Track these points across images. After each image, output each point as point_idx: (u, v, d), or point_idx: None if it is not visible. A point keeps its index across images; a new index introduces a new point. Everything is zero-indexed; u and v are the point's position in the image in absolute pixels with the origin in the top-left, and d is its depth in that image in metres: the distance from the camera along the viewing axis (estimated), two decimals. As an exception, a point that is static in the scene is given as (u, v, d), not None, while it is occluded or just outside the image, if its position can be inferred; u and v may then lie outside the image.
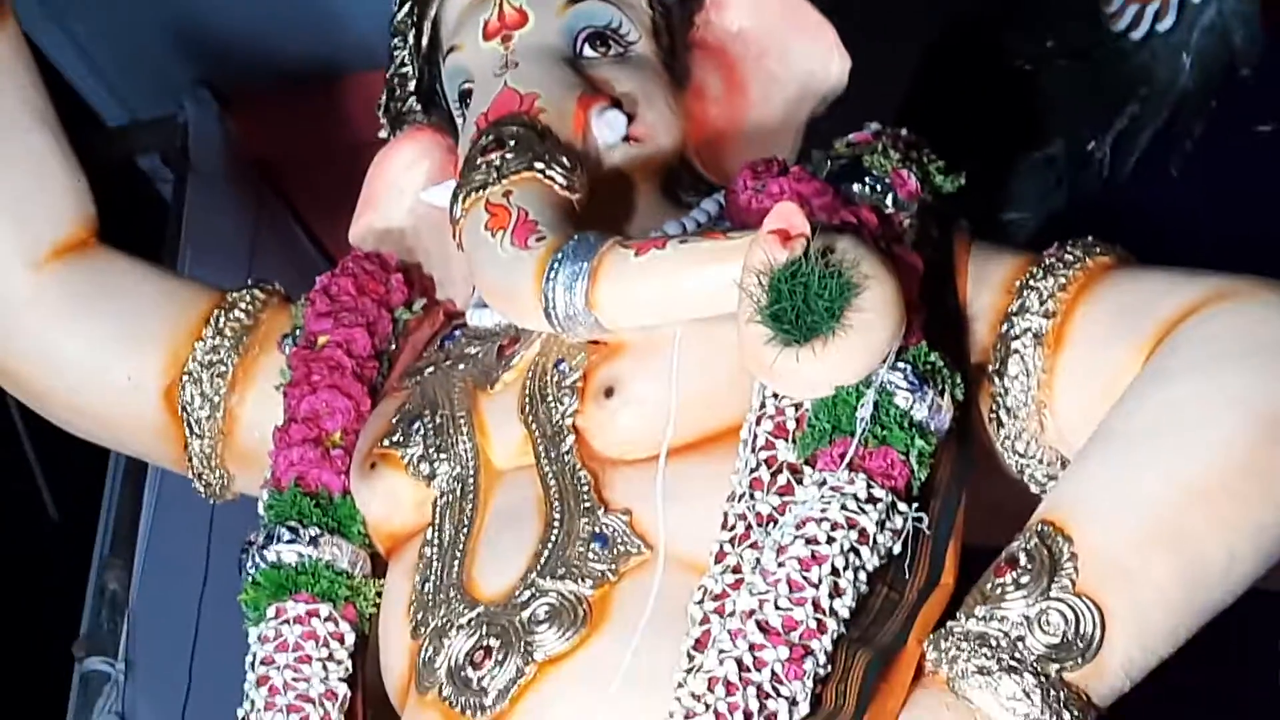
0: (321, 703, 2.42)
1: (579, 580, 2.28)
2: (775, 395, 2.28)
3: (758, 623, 2.13)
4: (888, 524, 2.19)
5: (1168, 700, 2.20)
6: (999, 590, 2.17)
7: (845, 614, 2.15)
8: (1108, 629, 2.14)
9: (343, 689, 2.45)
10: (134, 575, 4.03)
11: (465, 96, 2.63)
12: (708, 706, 2.09)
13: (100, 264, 2.81)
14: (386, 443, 2.49)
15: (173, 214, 4.64)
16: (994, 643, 2.13)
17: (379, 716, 2.47)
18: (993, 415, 2.39)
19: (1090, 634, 2.13)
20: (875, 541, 2.18)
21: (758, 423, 2.28)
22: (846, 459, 2.20)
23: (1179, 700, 2.23)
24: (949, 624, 2.18)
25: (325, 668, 2.45)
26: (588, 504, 2.34)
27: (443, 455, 2.45)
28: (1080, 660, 2.13)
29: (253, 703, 2.45)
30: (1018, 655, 2.12)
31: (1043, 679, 2.11)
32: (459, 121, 2.67)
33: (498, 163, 2.43)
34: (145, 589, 4.02)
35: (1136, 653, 2.16)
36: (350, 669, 2.47)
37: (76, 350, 2.76)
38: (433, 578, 2.39)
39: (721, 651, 2.12)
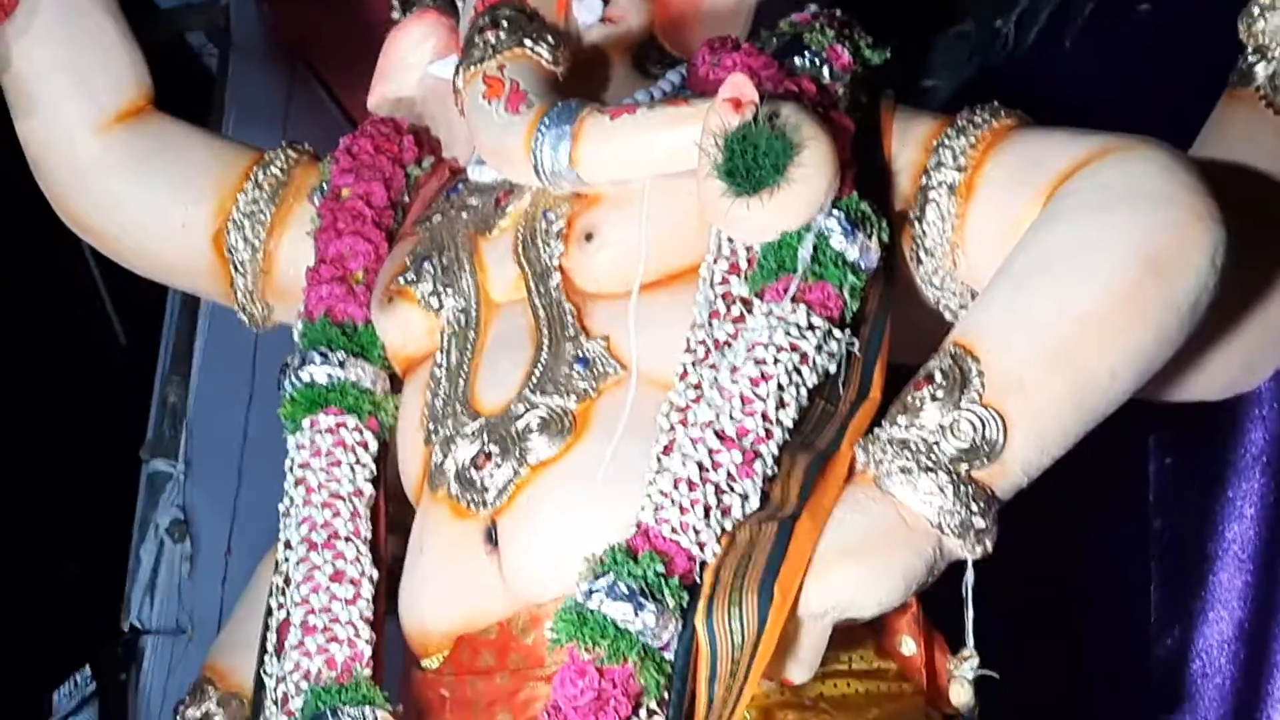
0: (350, 499, 2.43)
1: (565, 396, 2.29)
2: (729, 239, 2.28)
3: (715, 431, 2.13)
4: (824, 347, 2.19)
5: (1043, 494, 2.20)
6: (917, 402, 2.17)
7: (789, 423, 2.15)
8: (1009, 435, 2.14)
9: (368, 488, 2.45)
10: (191, 391, 4.04)
11: None
12: (673, 501, 2.10)
13: (156, 127, 2.80)
14: (401, 280, 2.49)
15: (217, 85, 4.61)
16: (914, 447, 2.14)
17: (399, 512, 2.48)
18: (913, 255, 2.38)
19: (994, 439, 2.14)
20: (814, 362, 2.18)
21: (715, 262, 2.28)
22: (790, 292, 2.20)
23: (1054, 492, 2.22)
24: (876, 431, 2.18)
25: (353, 470, 2.46)
26: (572, 332, 2.34)
27: (449, 290, 2.45)
28: (986, 461, 2.14)
29: (291, 499, 2.45)
30: (933, 457, 2.13)
31: (954, 477, 2.12)
32: (460, 5, 2.65)
33: (493, 41, 2.42)
34: (200, 402, 4.03)
35: (1033, 455, 2.16)
36: (374, 471, 2.47)
37: (137, 202, 2.76)
38: (441, 394, 2.40)
39: (685, 455, 2.13)
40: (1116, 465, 2.82)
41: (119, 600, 3.85)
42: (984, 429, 2.14)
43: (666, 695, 2.04)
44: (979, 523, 2.12)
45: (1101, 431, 2.22)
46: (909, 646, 2.23)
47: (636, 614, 2.04)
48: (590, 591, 2.07)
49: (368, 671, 2.31)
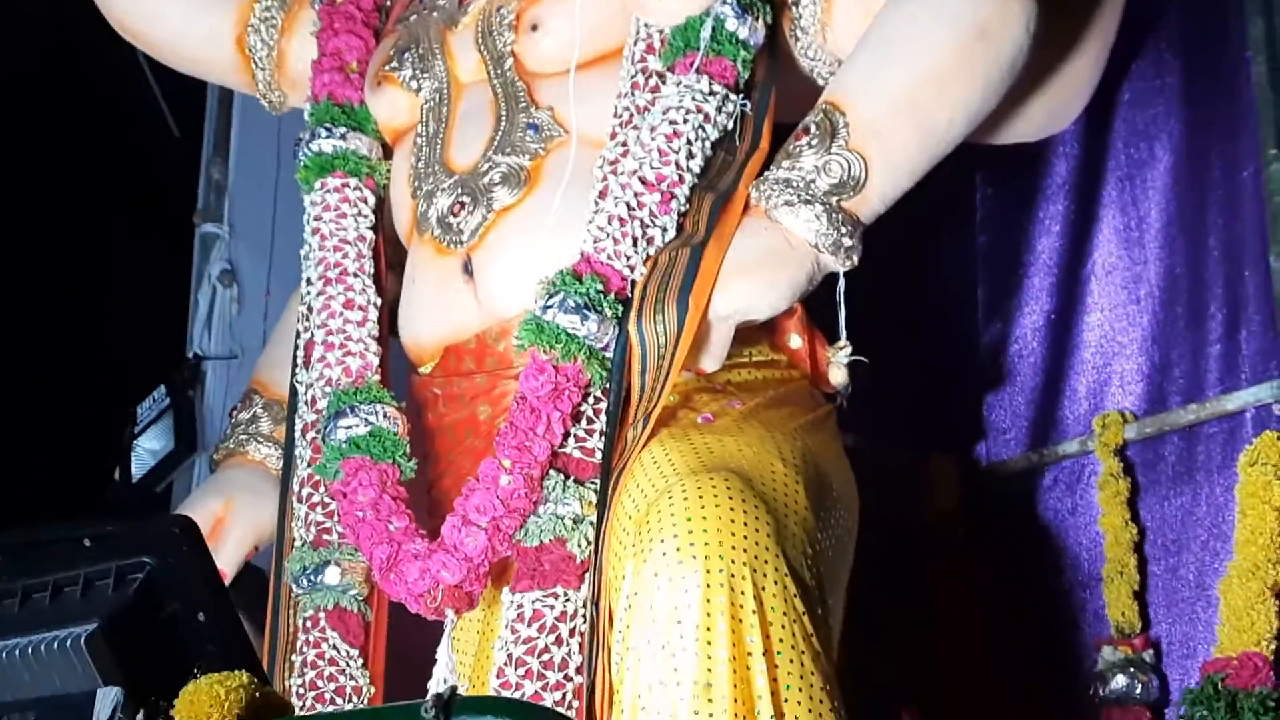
0: (355, 244, 2.37)
1: (520, 155, 2.22)
2: (646, 25, 2.20)
3: (639, 178, 2.08)
4: (723, 109, 2.13)
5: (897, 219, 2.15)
6: (797, 150, 2.11)
7: (697, 170, 2.10)
8: (869, 172, 2.09)
9: (370, 234, 2.39)
10: (230, 168, 3.93)
11: None
12: (608, 234, 2.05)
13: None
14: (387, 68, 2.40)
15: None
16: (795, 184, 2.08)
17: (395, 253, 2.41)
18: (792, 33, 2.29)
19: (858, 176, 2.08)
20: (715, 121, 2.12)
21: (635, 44, 2.21)
22: (695, 65, 2.13)
23: (905, 218, 2.18)
24: (765, 174, 2.13)
25: (356, 220, 2.39)
26: (524, 104, 2.26)
27: (425, 74, 2.36)
28: (852, 193, 2.09)
29: (309, 246, 2.39)
30: (811, 192, 2.08)
31: (828, 207, 2.07)
32: None
33: None
34: (239, 176, 3.92)
35: (888, 188, 2.12)
36: (374, 221, 2.41)
37: (173, 15, 2.63)
38: (423, 158, 2.32)
39: (616, 198, 2.08)
40: (951, 196, 2.78)
41: (184, 335, 3.79)
42: (850, 168, 2.08)
43: (608, 385, 2.02)
44: (848, 242, 2.08)
45: (940, 168, 2.17)
46: (796, 341, 2.19)
47: (582, 322, 2.01)
48: (546, 306, 2.03)
49: (376, 377, 2.26)
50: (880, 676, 2.48)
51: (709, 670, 1.71)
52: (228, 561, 2.51)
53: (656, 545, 1.78)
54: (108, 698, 1.21)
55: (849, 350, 2.12)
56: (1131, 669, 2.39)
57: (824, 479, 1.99)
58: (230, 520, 2.50)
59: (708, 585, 1.74)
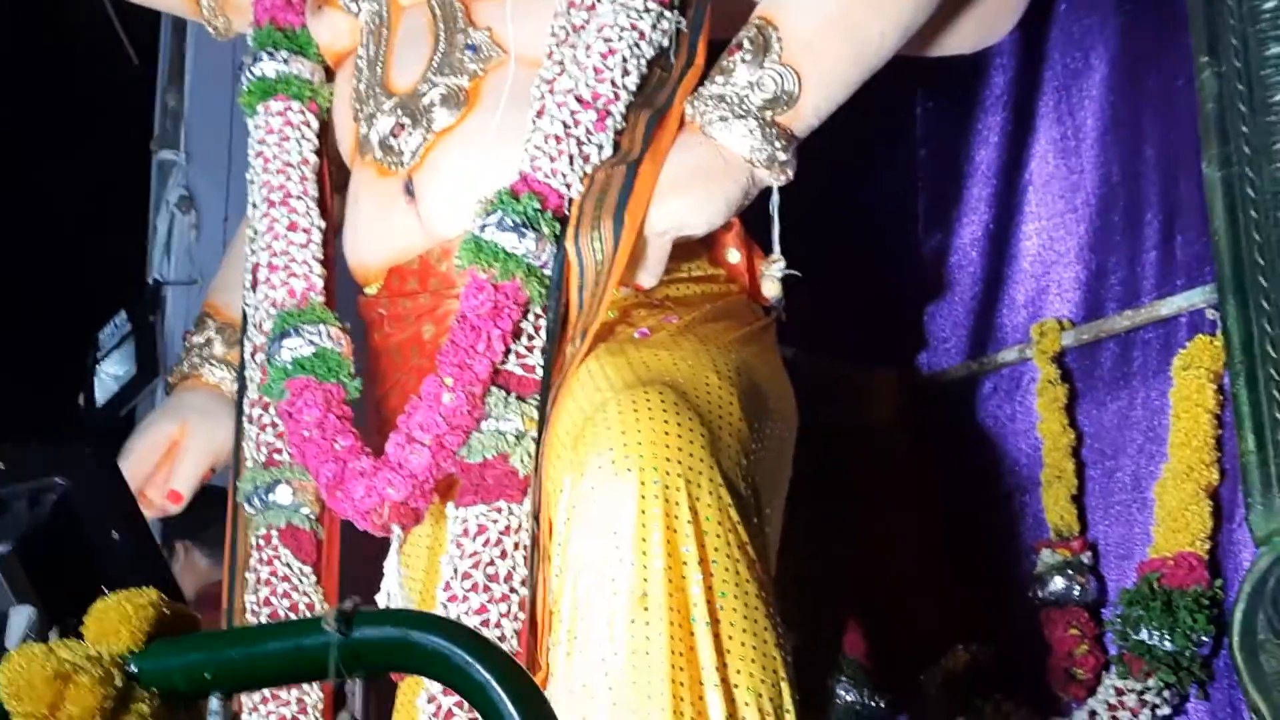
0: (299, 167, 2.33)
1: (459, 75, 2.20)
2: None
3: (575, 96, 2.07)
4: (658, 26, 2.11)
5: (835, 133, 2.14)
6: (731, 65, 2.10)
7: (633, 87, 2.09)
8: (803, 86, 2.08)
9: (313, 158, 2.36)
10: (186, 94, 3.90)
11: None
12: (545, 153, 2.05)
13: None
14: (327, -9, 2.37)
15: None
16: (729, 100, 2.07)
17: (340, 175, 2.39)
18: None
19: (792, 90, 2.07)
20: (650, 38, 2.10)
21: (570, -37, 2.18)
22: (630, -15, 2.11)
23: (844, 131, 2.17)
24: (699, 89, 2.11)
25: (299, 144, 2.36)
26: (462, 26, 2.24)
27: (364, -2, 2.34)
28: (785, 108, 2.08)
29: (254, 169, 2.37)
30: (745, 107, 2.07)
31: (761, 122, 2.06)
32: None
33: None
34: (194, 104, 3.89)
35: (822, 102, 2.11)
36: (316, 145, 2.37)
37: None
38: (364, 80, 2.30)
39: (552, 117, 2.07)
40: (891, 109, 2.77)
41: (144, 261, 3.78)
42: (783, 82, 2.07)
43: (547, 303, 2.01)
44: (782, 156, 2.07)
45: (878, 83, 2.16)
46: (734, 255, 2.18)
47: (520, 240, 2.00)
48: (484, 225, 2.02)
49: (321, 299, 2.24)
50: (824, 584, 2.50)
51: (645, 580, 1.72)
52: (184, 483, 2.51)
53: (592, 459, 1.79)
54: (21, 615, 1.22)
55: (783, 264, 2.11)
56: (1069, 571, 2.42)
57: (759, 391, 2.00)
58: (186, 443, 2.50)
59: (643, 497, 1.75)
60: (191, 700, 1.26)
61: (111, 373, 3.72)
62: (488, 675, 1.17)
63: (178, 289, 3.71)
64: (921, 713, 2.51)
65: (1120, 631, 2.31)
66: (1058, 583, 2.42)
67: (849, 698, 2.49)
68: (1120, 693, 2.29)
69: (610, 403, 1.82)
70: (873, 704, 2.49)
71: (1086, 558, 2.44)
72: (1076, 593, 2.41)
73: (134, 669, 1.23)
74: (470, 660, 1.18)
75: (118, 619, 1.18)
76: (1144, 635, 2.27)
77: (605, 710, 1.69)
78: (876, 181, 2.85)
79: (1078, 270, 2.60)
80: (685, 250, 2.13)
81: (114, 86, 4.16)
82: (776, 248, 2.11)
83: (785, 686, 1.74)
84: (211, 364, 2.56)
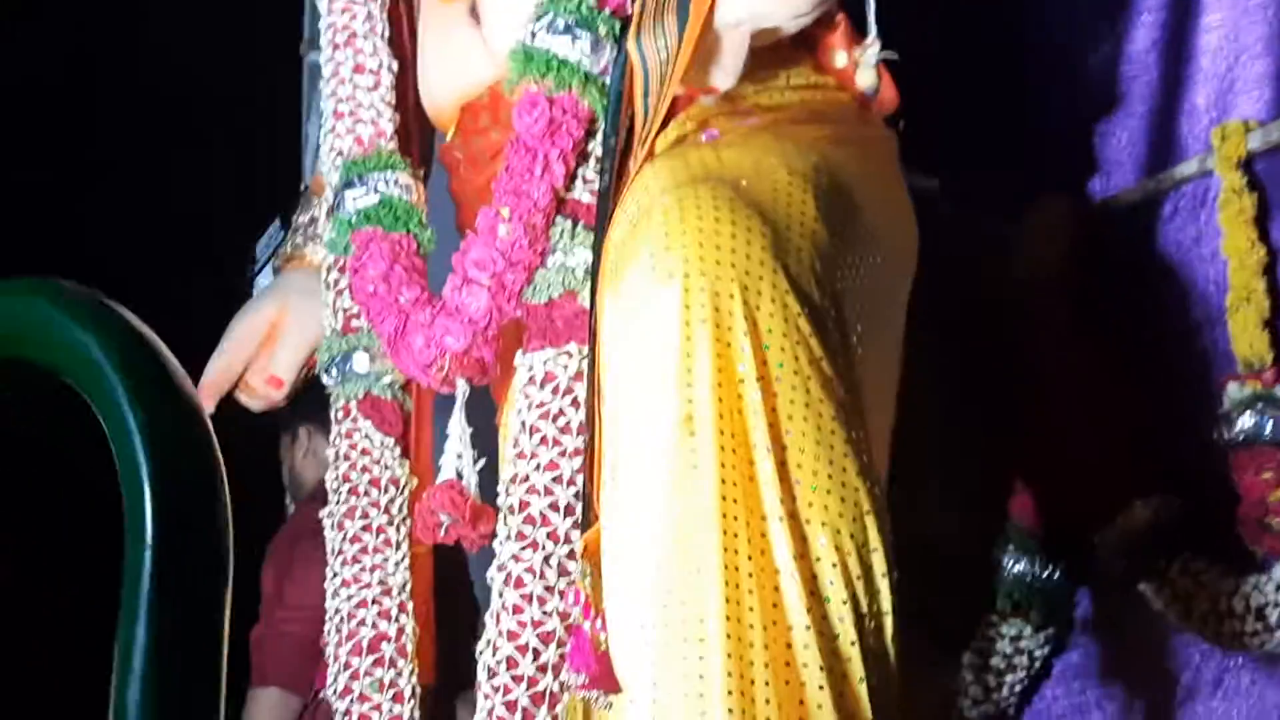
0: (365, 4, 2.12)
1: None
2: None
3: None
4: None
5: None
6: None
7: None
8: None
9: None
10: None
11: None
12: None
13: None
14: None
15: None
16: None
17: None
18: None
19: None
20: None
21: None
22: None
23: None
24: None
25: None
26: None
27: None
28: None
29: (320, 13, 2.18)
30: None
31: None
32: None
33: None
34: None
35: None
36: None
37: None
38: None
39: None
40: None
41: (299, 169, 3.64)
42: None
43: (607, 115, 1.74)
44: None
45: None
46: (841, 59, 1.86)
47: (574, 43, 1.73)
48: (533, 31, 1.76)
49: (392, 145, 2.02)
50: (986, 447, 2.18)
51: (689, 401, 1.44)
52: (284, 368, 2.30)
53: (629, 271, 1.51)
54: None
55: (878, 48, 1.78)
56: (1260, 405, 2.03)
57: (848, 196, 1.67)
58: (284, 325, 2.30)
59: (686, 306, 1.46)
60: None
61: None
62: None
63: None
64: (1098, 580, 2.16)
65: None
66: (1246, 420, 2.03)
67: (1017, 568, 2.16)
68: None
69: (655, 206, 1.54)
70: (1044, 574, 2.15)
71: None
72: (1269, 430, 2.03)
73: None
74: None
75: None
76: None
77: (648, 547, 1.43)
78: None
79: (1266, 63, 2.20)
80: (787, 56, 1.83)
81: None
82: (872, 29, 1.78)
83: (871, 521, 1.44)
84: (315, 242, 2.34)
